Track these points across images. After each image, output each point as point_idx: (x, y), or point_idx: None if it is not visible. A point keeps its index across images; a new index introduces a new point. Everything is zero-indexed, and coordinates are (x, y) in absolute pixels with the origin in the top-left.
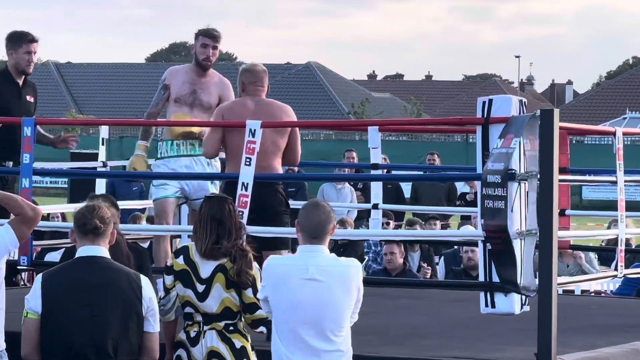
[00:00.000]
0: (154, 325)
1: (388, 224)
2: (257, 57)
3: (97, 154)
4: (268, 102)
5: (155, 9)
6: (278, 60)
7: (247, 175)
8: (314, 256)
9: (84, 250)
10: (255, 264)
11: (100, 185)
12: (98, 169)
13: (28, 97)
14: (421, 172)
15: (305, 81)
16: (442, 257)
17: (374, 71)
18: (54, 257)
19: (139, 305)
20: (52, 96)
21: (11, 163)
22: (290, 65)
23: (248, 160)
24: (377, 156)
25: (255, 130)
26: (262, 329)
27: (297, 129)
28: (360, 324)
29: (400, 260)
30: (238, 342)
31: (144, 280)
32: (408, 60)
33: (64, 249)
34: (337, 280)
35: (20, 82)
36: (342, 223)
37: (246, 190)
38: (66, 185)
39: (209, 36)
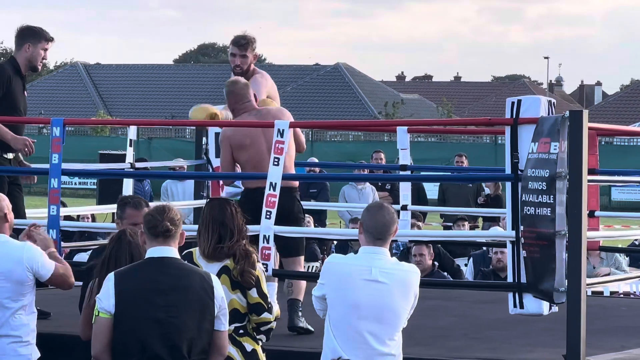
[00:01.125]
0: (225, 324)
1: (417, 225)
2: (285, 58)
3: (125, 155)
4: (266, 112)
5: (183, 10)
6: (306, 61)
7: (275, 175)
8: (377, 258)
9: (156, 251)
10: (259, 265)
11: (128, 186)
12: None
13: (25, 92)
14: (448, 173)
15: (333, 82)
16: (471, 258)
17: (402, 72)
18: (82, 257)
19: (212, 305)
20: (80, 97)
21: (11, 155)
22: (319, 66)
23: (276, 160)
24: (406, 157)
25: (283, 130)
26: (262, 337)
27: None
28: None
29: (430, 262)
30: (249, 346)
31: (215, 280)
32: (437, 62)
33: (91, 250)
34: (398, 284)
35: (24, 76)
36: (356, 222)
37: (274, 190)
38: (95, 187)
39: (234, 44)
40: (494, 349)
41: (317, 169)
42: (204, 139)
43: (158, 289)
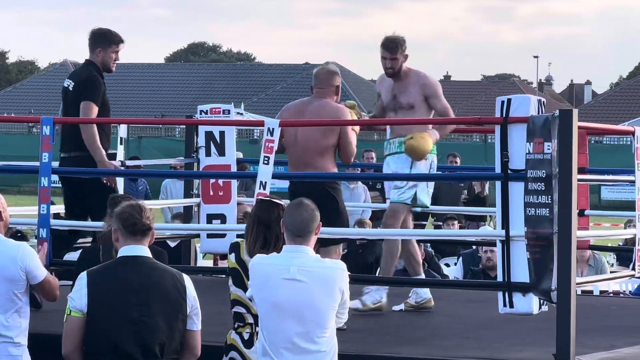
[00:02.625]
0: (197, 324)
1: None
2: (276, 57)
3: (115, 154)
4: (318, 103)
5: (174, 9)
6: (297, 60)
7: (265, 173)
8: (297, 256)
9: (129, 250)
10: None
11: (119, 186)
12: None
13: None
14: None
15: None
16: (461, 257)
17: None
18: (73, 257)
19: (184, 304)
20: None
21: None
22: (309, 65)
23: (266, 159)
24: None
25: (273, 129)
26: None
27: (348, 129)
28: (377, 324)
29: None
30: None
31: (187, 280)
32: (427, 61)
33: (81, 249)
34: (319, 281)
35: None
36: (361, 224)
37: (264, 189)
38: None
39: (384, 47)
40: (484, 348)
41: None
42: (195, 138)
43: (131, 288)
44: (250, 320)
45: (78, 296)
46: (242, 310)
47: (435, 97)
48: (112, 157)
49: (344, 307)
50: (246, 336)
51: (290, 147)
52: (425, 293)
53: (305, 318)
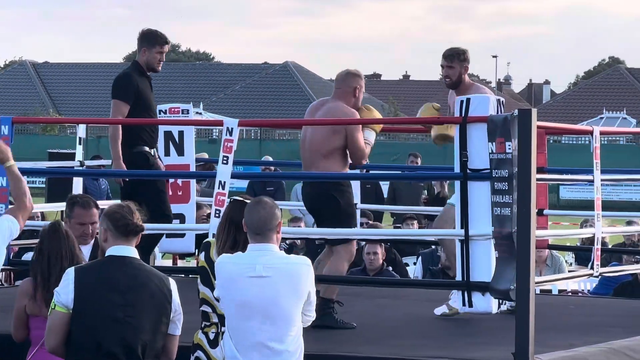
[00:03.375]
0: (178, 329)
1: (367, 223)
2: (235, 56)
3: (74, 154)
4: (331, 104)
5: (133, 9)
6: (256, 59)
7: (224, 173)
8: (262, 254)
9: (118, 250)
10: None
11: (78, 185)
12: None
13: (151, 89)
14: (398, 172)
15: (282, 81)
16: (420, 257)
17: None
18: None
19: (168, 308)
20: (29, 96)
21: (147, 148)
22: (268, 65)
23: (225, 159)
24: None
25: (232, 129)
26: None
27: (354, 130)
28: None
29: (381, 261)
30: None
31: (172, 284)
32: (386, 60)
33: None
34: (285, 278)
35: (148, 75)
36: None
37: (223, 188)
38: (43, 185)
39: (442, 56)
40: (443, 347)
41: (273, 168)
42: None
43: (117, 288)
44: (216, 319)
45: (64, 291)
46: (208, 309)
47: None
48: (71, 157)
49: (310, 305)
50: (212, 336)
51: (301, 148)
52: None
53: (271, 316)
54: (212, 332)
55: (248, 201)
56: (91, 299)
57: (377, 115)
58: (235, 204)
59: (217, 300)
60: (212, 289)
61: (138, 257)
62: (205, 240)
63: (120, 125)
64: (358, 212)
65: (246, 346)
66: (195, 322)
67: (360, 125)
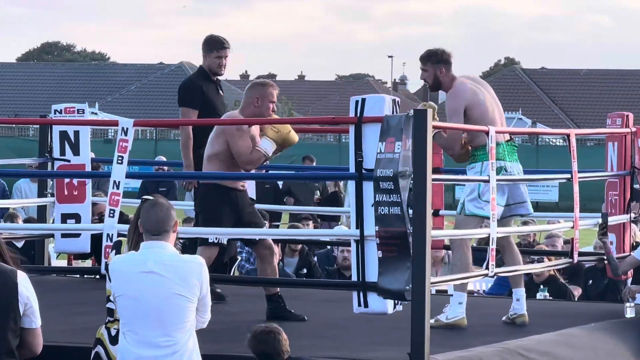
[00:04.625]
0: (35, 321)
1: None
2: (130, 57)
3: None
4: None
5: (30, 7)
6: (151, 60)
7: (118, 173)
8: (154, 252)
9: None
10: None
11: None
12: None
13: (220, 92)
14: (292, 172)
15: (177, 81)
16: (315, 257)
17: (246, 71)
18: None
19: (15, 302)
20: None
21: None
22: (163, 65)
23: (120, 158)
24: None
25: (127, 129)
26: None
27: (233, 136)
28: (233, 323)
29: (276, 261)
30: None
31: (21, 277)
32: (281, 60)
33: None
34: (176, 274)
35: (215, 79)
36: None
37: (118, 188)
38: None
39: (419, 60)
40: (339, 347)
41: (166, 168)
42: (50, 137)
43: None
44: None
45: None
46: (112, 306)
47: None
48: None
49: (204, 306)
50: (113, 332)
51: None
52: (458, 312)
53: (162, 312)
54: (114, 329)
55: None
56: None
57: (283, 129)
58: (145, 202)
59: (114, 301)
60: None
61: None
62: (116, 240)
63: (191, 133)
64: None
65: (137, 341)
66: (95, 322)
67: (243, 132)
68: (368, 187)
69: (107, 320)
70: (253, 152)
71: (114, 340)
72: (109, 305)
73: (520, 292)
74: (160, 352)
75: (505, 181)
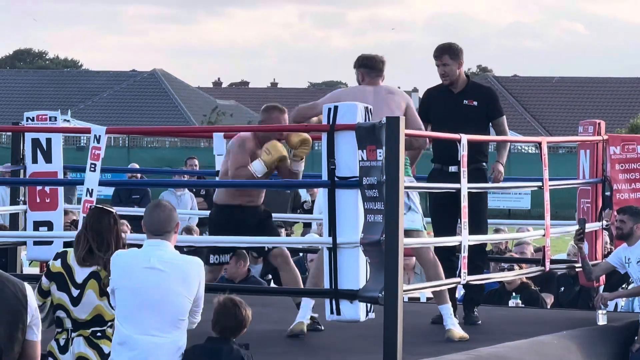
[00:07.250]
0: (37, 334)
1: None
2: (103, 64)
3: None
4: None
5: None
6: (124, 67)
7: (91, 181)
8: (157, 249)
9: None
10: None
11: None
12: None
13: (467, 102)
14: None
15: (150, 89)
16: None
17: (219, 78)
18: None
19: (24, 313)
20: None
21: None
22: (136, 72)
23: (93, 166)
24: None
25: (100, 136)
26: None
27: (234, 145)
28: (204, 331)
29: (245, 269)
30: (106, 348)
31: (29, 290)
32: (254, 67)
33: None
34: (177, 272)
35: (456, 90)
36: (189, 230)
37: (91, 196)
38: None
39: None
40: (313, 354)
41: (139, 175)
42: (22, 144)
43: None
44: (69, 325)
45: None
46: (62, 314)
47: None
48: None
49: (197, 306)
50: (62, 342)
51: None
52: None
53: (162, 306)
54: (63, 339)
55: (109, 209)
56: None
57: (275, 154)
58: (94, 211)
59: (112, 293)
60: (69, 294)
61: None
62: (59, 251)
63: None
64: None
65: (135, 333)
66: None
67: (244, 148)
68: (340, 194)
69: (55, 332)
70: (241, 169)
71: (64, 349)
72: (59, 314)
73: (445, 308)
74: (153, 344)
75: (477, 188)
